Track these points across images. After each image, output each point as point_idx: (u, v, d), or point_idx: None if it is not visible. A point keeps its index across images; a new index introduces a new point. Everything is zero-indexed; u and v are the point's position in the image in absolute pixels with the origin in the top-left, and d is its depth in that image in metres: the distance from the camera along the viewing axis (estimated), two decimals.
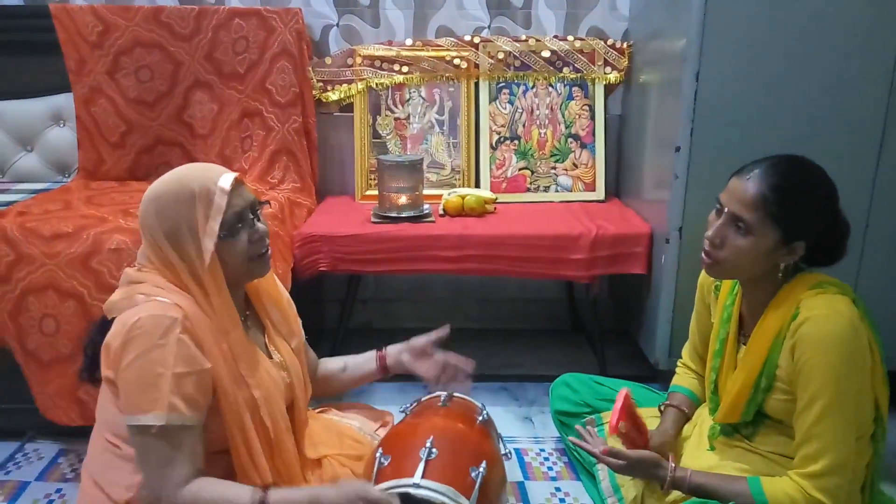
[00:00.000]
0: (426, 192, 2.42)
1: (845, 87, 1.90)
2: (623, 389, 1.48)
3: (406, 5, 2.55)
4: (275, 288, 1.50)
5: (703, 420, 1.56)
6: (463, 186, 2.55)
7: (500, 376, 2.44)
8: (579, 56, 2.53)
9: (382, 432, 1.62)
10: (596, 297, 2.40)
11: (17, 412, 2.00)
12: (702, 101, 1.91)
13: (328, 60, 2.52)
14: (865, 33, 1.87)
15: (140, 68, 2.42)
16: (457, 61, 2.52)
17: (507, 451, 1.62)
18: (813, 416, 1.25)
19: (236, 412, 1.26)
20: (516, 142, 2.57)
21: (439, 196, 2.43)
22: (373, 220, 2.28)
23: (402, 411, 1.61)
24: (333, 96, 2.52)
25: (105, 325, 1.25)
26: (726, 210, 1.33)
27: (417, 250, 2.18)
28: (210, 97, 2.46)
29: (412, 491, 1.24)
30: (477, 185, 2.57)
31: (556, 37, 2.56)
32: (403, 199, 2.30)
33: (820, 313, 1.27)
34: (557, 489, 1.85)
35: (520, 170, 2.58)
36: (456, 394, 1.61)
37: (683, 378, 1.68)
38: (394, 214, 2.28)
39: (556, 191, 2.58)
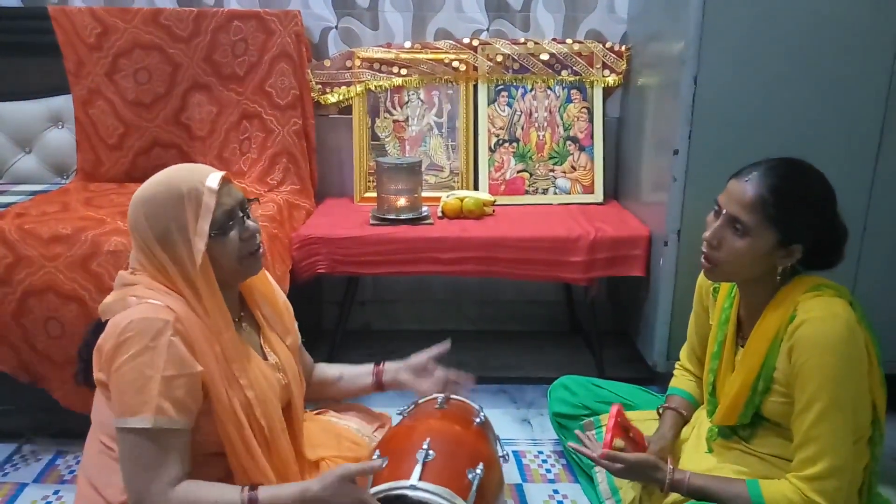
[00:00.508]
0: (425, 194, 2.42)
1: (843, 89, 1.91)
2: (614, 406, 1.48)
3: (405, 8, 2.56)
4: (267, 285, 1.50)
5: (701, 422, 1.56)
6: (461, 189, 2.55)
7: (499, 378, 2.44)
8: (578, 59, 2.54)
9: (380, 434, 1.62)
10: (594, 300, 2.40)
11: (15, 414, 2.00)
12: (700, 104, 1.92)
13: (327, 63, 2.52)
14: (863, 36, 1.87)
15: (139, 70, 2.42)
16: (455, 64, 2.53)
17: (505, 453, 1.62)
18: (811, 419, 1.25)
19: (231, 413, 1.26)
20: (515, 144, 2.57)
21: (438, 198, 2.43)
22: (371, 222, 2.28)
23: (400, 413, 1.61)
24: (332, 98, 2.53)
25: (100, 327, 1.25)
26: (724, 212, 1.33)
27: (416, 252, 2.18)
28: (209, 99, 2.47)
29: (409, 493, 1.24)
30: (475, 188, 2.57)
31: (554, 40, 2.56)
32: (402, 202, 2.30)
33: (817, 315, 1.27)
34: (555, 491, 1.85)
35: (518, 172, 2.58)
36: (453, 396, 1.61)
37: (681, 380, 1.68)
38: (392, 216, 2.28)
39: (555, 193, 2.58)
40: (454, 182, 2.59)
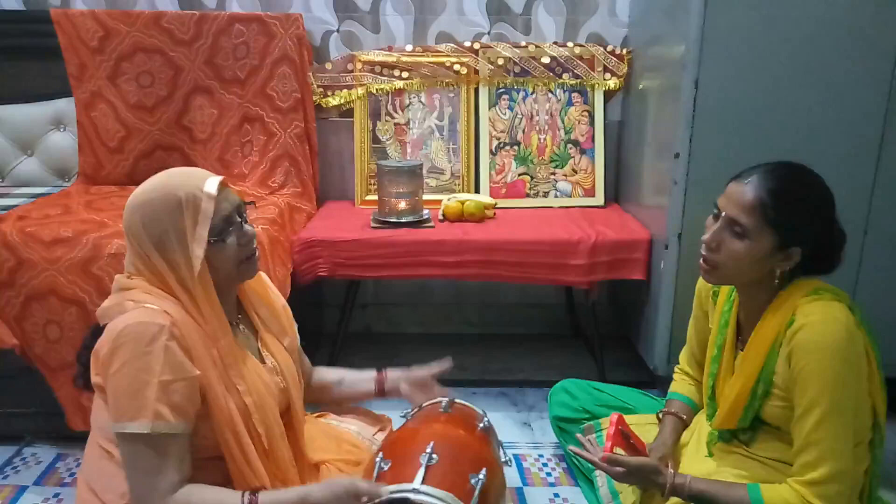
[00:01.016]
0: (426, 197, 2.42)
1: (844, 93, 1.91)
2: (614, 414, 1.47)
3: (406, 11, 2.56)
4: (263, 287, 1.49)
5: (701, 426, 1.56)
6: (462, 192, 2.56)
7: (499, 382, 2.44)
8: (579, 62, 2.54)
9: (381, 437, 1.62)
10: (595, 303, 2.40)
11: (16, 416, 2.00)
12: (701, 108, 1.92)
13: (328, 66, 2.52)
14: (864, 40, 1.88)
15: (141, 73, 2.43)
16: (457, 67, 2.53)
17: (508, 458, 1.62)
18: (811, 424, 1.25)
19: (228, 418, 1.25)
20: (516, 147, 2.58)
21: (439, 201, 2.43)
22: (372, 225, 2.28)
23: (403, 416, 1.61)
24: (334, 101, 2.53)
25: (98, 331, 1.25)
26: (724, 214, 1.33)
27: (417, 255, 2.18)
28: (210, 102, 2.47)
29: (412, 496, 1.23)
30: (476, 191, 2.57)
31: (555, 43, 2.56)
32: (403, 205, 2.30)
33: (815, 319, 1.27)
34: (556, 495, 1.85)
35: (519, 175, 2.58)
36: (457, 400, 1.61)
37: (681, 385, 1.68)
38: (393, 220, 2.28)
39: (556, 196, 2.58)
40: (455, 185, 2.59)
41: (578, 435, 1.58)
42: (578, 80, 2.55)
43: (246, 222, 1.33)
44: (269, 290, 1.51)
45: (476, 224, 2.33)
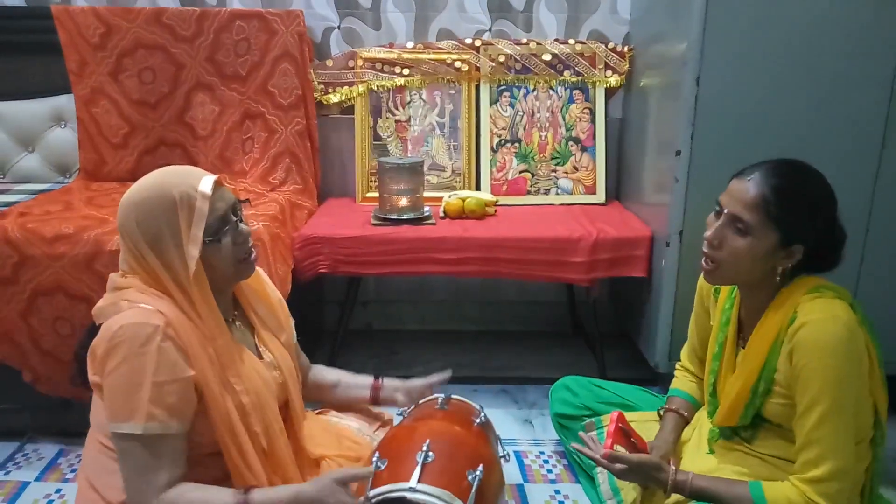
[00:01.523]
0: (427, 194, 2.42)
1: (846, 91, 1.91)
2: (614, 412, 1.47)
3: (407, 8, 2.56)
4: (259, 282, 1.49)
5: (702, 423, 1.56)
6: (463, 189, 2.55)
7: (500, 378, 2.44)
8: (580, 59, 2.54)
9: (381, 433, 1.62)
10: (596, 300, 2.40)
11: (17, 412, 2.01)
12: (702, 105, 1.92)
13: (329, 63, 2.52)
14: (866, 37, 1.87)
15: (142, 70, 2.43)
16: (458, 64, 2.53)
17: (506, 453, 1.62)
18: (812, 421, 1.25)
19: (226, 417, 1.25)
20: (517, 145, 2.57)
21: (440, 198, 2.43)
22: (373, 222, 2.28)
23: (400, 414, 1.61)
24: (334, 98, 2.53)
25: (95, 330, 1.24)
26: (726, 211, 1.33)
27: (418, 252, 2.18)
28: (211, 99, 2.47)
29: (408, 495, 1.23)
30: (477, 188, 2.57)
31: (557, 40, 2.56)
32: (404, 202, 2.30)
33: (817, 317, 1.27)
34: (557, 492, 1.85)
35: (520, 173, 2.58)
36: (454, 396, 1.61)
37: (682, 381, 1.68)
38: (394, 216, 2.28)
39: (557, 194, 2.58)
40: (456, 182, 2.59)
41: (581, 433, 1.58)
42: (580, 78, 2.55)
43: (242, 221, 1.32)
44: (265, 287, 1.51)
45: (477, 221, 2.33)
